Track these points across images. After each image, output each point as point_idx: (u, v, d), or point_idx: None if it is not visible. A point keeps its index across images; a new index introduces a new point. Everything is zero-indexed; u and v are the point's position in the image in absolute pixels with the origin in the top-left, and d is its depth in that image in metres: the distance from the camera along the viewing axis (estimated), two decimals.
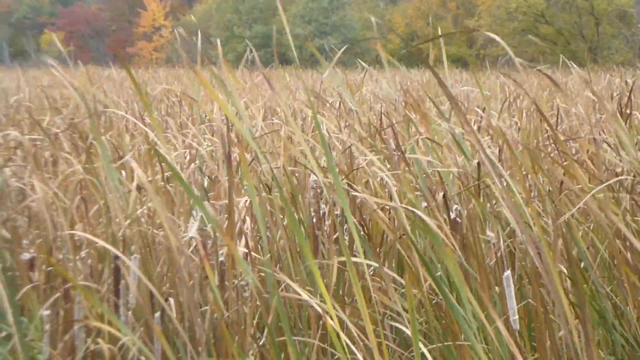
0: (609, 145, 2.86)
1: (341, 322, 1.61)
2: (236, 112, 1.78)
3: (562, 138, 3.18)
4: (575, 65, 3.47)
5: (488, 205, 2.47)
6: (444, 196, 2.21)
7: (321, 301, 1.57)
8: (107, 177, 2.30)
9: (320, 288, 1.35)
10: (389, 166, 2.49)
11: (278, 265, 2.33)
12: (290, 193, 2.34)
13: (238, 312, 1.95)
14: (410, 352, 2.12)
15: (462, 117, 1.48)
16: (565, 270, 2.01)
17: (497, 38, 1.89)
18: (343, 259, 2.18)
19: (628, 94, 3.26)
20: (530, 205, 1.77)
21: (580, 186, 2.02)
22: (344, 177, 2.42)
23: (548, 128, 4.12)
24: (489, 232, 2.23)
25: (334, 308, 1.56)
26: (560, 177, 2.04)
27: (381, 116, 3.26)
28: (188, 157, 3.23)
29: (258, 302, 2.03)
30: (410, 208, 1.85)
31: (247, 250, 2.07)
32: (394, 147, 2.35)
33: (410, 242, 1.87)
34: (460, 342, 1.85)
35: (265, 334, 2.03)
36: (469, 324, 1.73)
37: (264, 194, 2.42)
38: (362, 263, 2.35)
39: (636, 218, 2.14)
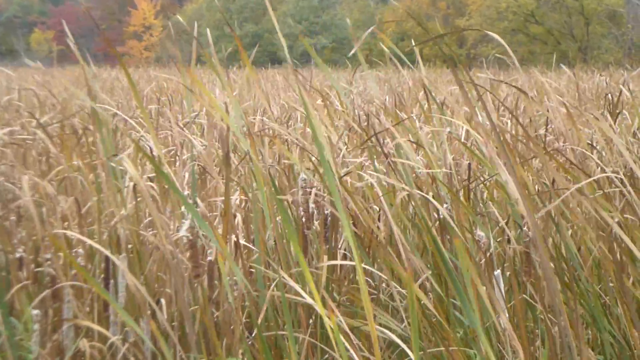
0: (594, 147, 2.87)
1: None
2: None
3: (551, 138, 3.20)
4: (562, 66, 3.47)
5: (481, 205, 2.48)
6: (433, 196, 2.22)
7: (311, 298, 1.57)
8: (104, 175, 2.29)
9: (310, 287, 1.35)
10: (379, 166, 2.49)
11: (269, 265, 2.33)
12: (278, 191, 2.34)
13: (227, 311, 1.95)
14: (399, 352, 2.12)
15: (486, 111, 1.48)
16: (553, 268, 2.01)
17: (497, 37, 1.90)
18: (335, 262, 2.18)
19: (618, 94, 3.26)
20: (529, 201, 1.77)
21: (567, 185, 2.02)
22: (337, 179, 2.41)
23: (538, 128, 4.13)
24: (478, 232, 2.23)
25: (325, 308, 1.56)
26: (549, 177, 2.05)
27: (368, 118, 3.26)
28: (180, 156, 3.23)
29: (247, 302, 2.03)
30: (421, 193, 1.85)
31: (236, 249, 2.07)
32: (383, 147, 2.35)
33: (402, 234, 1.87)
34: (453, 348, 1.85)
35: (254, 333, 2.03)
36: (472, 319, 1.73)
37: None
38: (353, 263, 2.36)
39: (626, 216, 2.15)
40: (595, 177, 1.96)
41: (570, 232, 2.25)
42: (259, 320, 1.84)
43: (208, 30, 2.47)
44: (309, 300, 1.58)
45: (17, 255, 2.28)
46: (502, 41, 1.93)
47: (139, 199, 2.40)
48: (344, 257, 2.35)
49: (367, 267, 2.15)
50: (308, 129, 3.56)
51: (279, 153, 2.98)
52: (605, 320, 1.95)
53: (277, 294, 1.93)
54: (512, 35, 35.21)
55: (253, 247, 2.19)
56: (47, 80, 9.89)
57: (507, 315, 1.82)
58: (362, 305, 2.13)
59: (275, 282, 1.92)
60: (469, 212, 2.11)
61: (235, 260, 2.13)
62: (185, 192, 2.37)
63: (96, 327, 1.84)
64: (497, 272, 1.89)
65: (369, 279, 2.32)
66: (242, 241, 2.24)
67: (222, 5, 45.35)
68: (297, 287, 1.65)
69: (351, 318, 2.14)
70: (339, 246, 2.37)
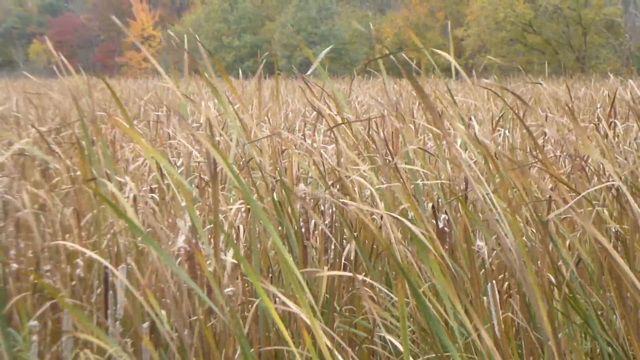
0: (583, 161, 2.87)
1: (327, 333, 1.61)
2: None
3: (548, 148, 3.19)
4: (536, 80, 3.48)
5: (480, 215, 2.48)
6: (432, 206, 2.22)
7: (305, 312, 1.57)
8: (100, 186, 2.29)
9: (299, 297, 1.36)
10: (379, 176, 2.49)
11: (269, 275, 2.33)
12: (279, 202, 2.34)
13: (225, 322, 1.95)
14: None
15: (442, 129, 1.48)
16: (553, 280, 2.02)
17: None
18: (334, 272, 2.19)
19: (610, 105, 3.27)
20: (513, 216, 1.78)
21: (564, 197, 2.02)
22: (332, 183, 2.42)
23: (540, 137, 4.14)
24: (478, 242, 2.23)
25: (319, 320, 1.56)
26: (546, 188, 2.05)
27: (369, 127, 3.27)
28: (179, 167, 3.23)
29: (246, 313, 2.03)
30: (396, 215, 1.85)
31: (234, 262, 2.07)
32: (384, 156, 2.35)
33: (390, 252, 1.88)
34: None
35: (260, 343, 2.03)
36: (452, 336, 1.73)
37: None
38: (353, 271, 2.36)
39: (624, 226, 2.15)
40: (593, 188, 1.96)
41: (568, 242, 2.26)
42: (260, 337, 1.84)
43: (202, 43, 2.48)
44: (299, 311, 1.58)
45: (17, 266, 2.28)
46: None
47: (139, 211, 2.41)
48: (344, 267, 2.35)
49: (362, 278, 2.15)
50: (316, 140, 3.56)
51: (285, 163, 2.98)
52: (603, 331, 1.95)
53: (274, 305, 1.93)
54: (510, 45, 35.33)
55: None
56: (45, 91, 9.89)
57: (502, 326, 1.82)
58: (362, 314, 2.13)
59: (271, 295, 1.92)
60: (471, 218, 2.11)
61: (234, 272, 2.13)
62: (183, 204, 2.37)
63: (95, 340, 1.83)
64: (491, 283, 1.89)
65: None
66: (242, 252, 2.25)
67: (221, 16, 45.45)
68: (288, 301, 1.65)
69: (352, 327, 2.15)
70: (338, 255, 2.37)
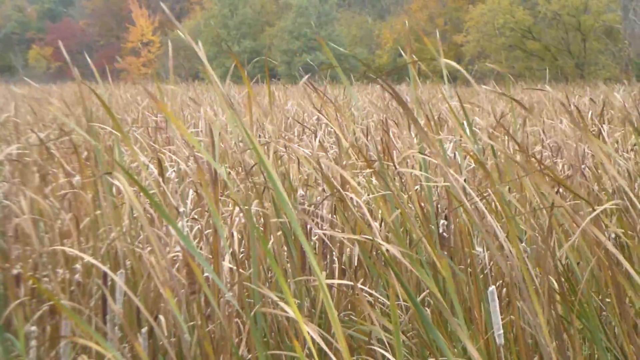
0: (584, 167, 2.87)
1: (324, 339, 1.61)
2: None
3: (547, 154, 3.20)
4: (535, 86, 3.49)
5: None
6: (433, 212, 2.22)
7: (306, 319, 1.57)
8: (100, 191, 2.29)
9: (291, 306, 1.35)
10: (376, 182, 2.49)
11: (267, 282, 2.33)
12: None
13: (223, 327, 1.95)
14: None
15: (426, 138, 1.48)
16: (555, 284, 2.01)
17: None
18: (332, 281, 2.18)
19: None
20: (510, 222, 1.77)
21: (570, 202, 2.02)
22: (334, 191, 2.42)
23: (539, 143, 4.14)
24: (478, 248, 2.23)
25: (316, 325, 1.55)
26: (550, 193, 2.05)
27: (367, 132, 3.27)
28: (173, 174, 3.23)
29: (244, 319, 2.02)
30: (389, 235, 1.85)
31: (232, 266, 2.07)
32: (382, 161, 2.35)
33: (388, 262, 1.87)
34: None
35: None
36: (446, 343, 1.73)
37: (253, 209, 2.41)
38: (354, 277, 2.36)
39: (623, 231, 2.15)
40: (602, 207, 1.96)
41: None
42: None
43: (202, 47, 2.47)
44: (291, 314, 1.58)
45: (15, 272, 2.28)
46: None
47: (135, 216, 2.40)
48: (343, 272, 2.35)
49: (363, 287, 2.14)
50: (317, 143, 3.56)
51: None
52: (603, 335, 1.95)
53: (270, 310, 1.93)
54: (510, 51, 35.36)
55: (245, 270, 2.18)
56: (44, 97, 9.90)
57: (501, 331, 1.82)
58: (362, 319, 2.13)
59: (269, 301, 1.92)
60: (471, 222, 2.11)
61: (231, 278, 2.13)
62: (182, 209, 2.37)
63: (94, 345, 1.83)
64: (492, 288, 1.89)
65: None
66: (239, 257, 2.25)
67: (220, 22, 45.46)
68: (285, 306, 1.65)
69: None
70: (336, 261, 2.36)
